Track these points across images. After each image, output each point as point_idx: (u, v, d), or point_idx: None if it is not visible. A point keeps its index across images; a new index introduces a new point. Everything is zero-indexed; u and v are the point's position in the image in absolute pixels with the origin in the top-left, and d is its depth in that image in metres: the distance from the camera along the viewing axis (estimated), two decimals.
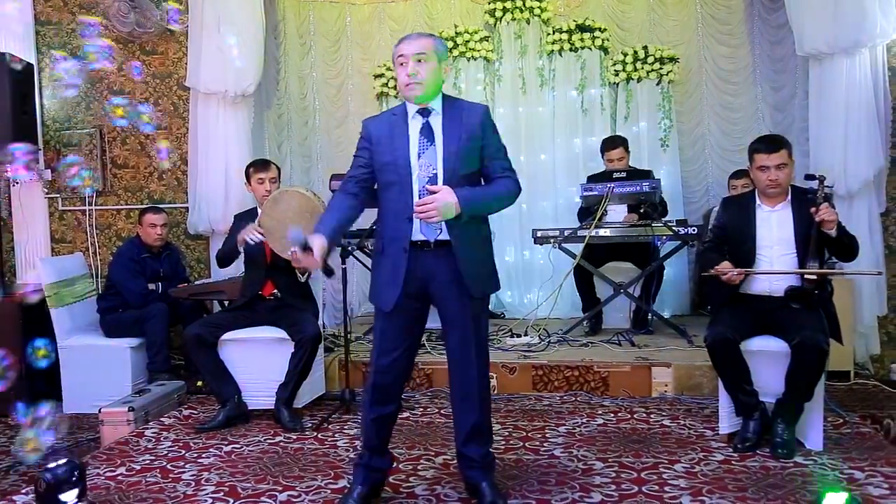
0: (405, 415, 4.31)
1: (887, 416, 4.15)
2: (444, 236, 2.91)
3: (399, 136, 2.95)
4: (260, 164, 4.66)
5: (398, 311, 2.96)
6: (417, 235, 2.92)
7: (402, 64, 2.92)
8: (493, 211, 3.07)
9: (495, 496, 2.99)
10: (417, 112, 2.97)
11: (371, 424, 3.05)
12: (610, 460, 3.54)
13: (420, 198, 2.87)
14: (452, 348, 3.02)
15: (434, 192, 2.82)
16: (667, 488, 3.19)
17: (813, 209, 3.59)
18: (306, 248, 2.79)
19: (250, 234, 4.27)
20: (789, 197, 3.78)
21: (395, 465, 3.26)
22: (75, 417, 4.88)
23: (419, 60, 2.88)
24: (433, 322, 3.08)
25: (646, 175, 5.70)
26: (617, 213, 5.76)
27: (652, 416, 4.25)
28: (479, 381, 3.00)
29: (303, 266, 4.07)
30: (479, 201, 2.90)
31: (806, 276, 3.63)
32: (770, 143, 3.76)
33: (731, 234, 3.91)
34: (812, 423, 3.61)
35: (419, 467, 3.46)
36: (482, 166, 2.99)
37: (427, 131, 2.94)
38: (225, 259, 4.61)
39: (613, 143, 5.90)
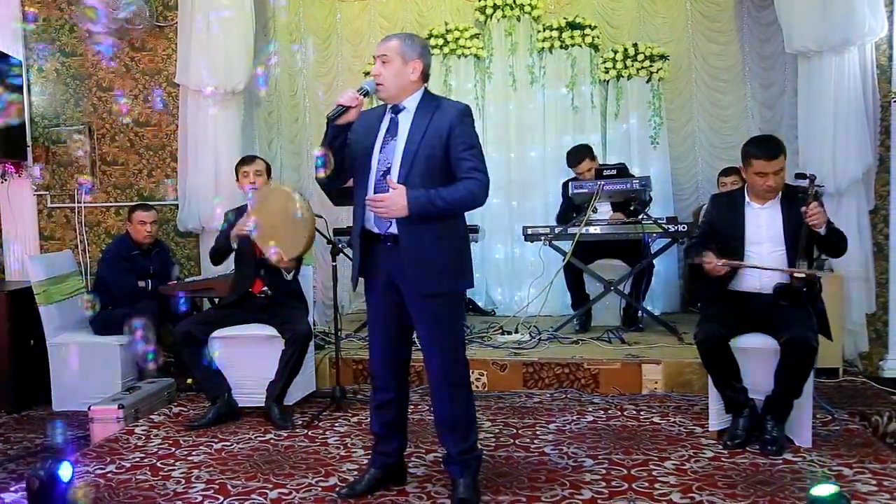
0: None
1: (875, 412, 4.18)
2: (394, 230, 2.96)
3: (371, 130, 3.06)
4: (246, 159, 4.74)
5: (377, 299, 3.10)
6: (372, 227, 3.02)
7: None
8: (450, 213, 3.01)
9: (468, 494, 3.01)
10: (390, 109, 3.07)
11: (374, 411, 3.20)
12: (600, 457, 3.55)
13: (375, 191, 2.95)
14: (421, 344, 3.09)
15: (393, 188, 2.85)
16: (657, 485, 3.20)
17: (803, 208, 3.60)
18: (367, 94, 2.99)
19: (245, 227, 4.24)
20: (779, 194, 3.79)
21: (406, 449, 3.33)
22: (65, 415, 4.87)
23: (383, 62, 3.00)
24: None
25: (623, 172, 5.66)
26: (602, 211, 5.76)
27: (642, 413, 4.26)
28: (448, 378, 3.03)
29: (286, 264, 4.12)
30: (432, 204, 2.88)
31: (795, 274, 3.64)
32: (768, 149, 3.70)
33: (720, 230, 3.91)
34: (801, 419, 3.64)
35: (410, 465, 3.45)
36: (450, 165, 2.98)
37: (393, 128, 3.03)
38: (218, 256, 4.61)
39: (578, 156, 5.86)
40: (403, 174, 2.92)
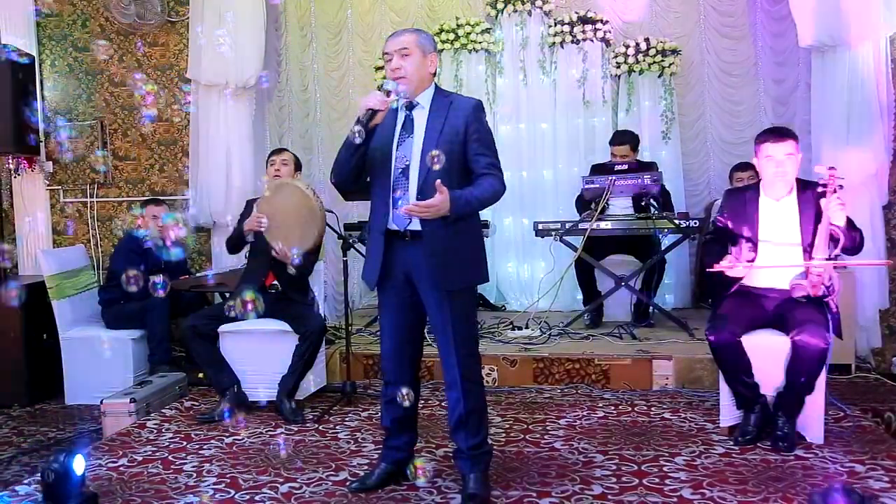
0: None
1: (888, 409, 4.15)
2: (416, 226, 2.95)
3: (387, 128, 3.05)
4: (276, 151, 4.82)
5: (390, 296, 3.09)
6: (391, 224, 3.01)
7: (388, 61, 3.03)
8: (477, 211, 3.07)
9: (477, 489, 3.01)
10: (404, 105, 3.05)
11: (385, 406, 3.20)
12: (610, 453, 3.55)
13: (394, 188, 2.97)
14: (436, 339, 3.09)
15: (441, 193, 2.80)
16: (667, 481, 3.20)
17: (826, 197, 3.54)
18: (389, 94, 2.93)
19: (256, 223, 4.25)
20: (794, 189, 3.77)
21: (416, 444, 3.35)
22: (77, 409, 4.90)
23: (403, 56, 2.98)
24: None
25: (649, 167, 5.67)
26: (618, 206, 5.74)
27: (653, 408, 4.25)
28: (462, 373, 3.03)
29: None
30: (469, 204, 2.91)
31: (811, 268, 3.61)
32: (778, 133, 3.75)
33: (734, 225, 3.89)
34: (813, 416, 3.61)
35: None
36: (467, 160, 2.99)
37: (409, 124, 3.02)
38: (233, 244, 4.61)
39: (620, 139, 5.85)
40: (424, 171, 2.91)
